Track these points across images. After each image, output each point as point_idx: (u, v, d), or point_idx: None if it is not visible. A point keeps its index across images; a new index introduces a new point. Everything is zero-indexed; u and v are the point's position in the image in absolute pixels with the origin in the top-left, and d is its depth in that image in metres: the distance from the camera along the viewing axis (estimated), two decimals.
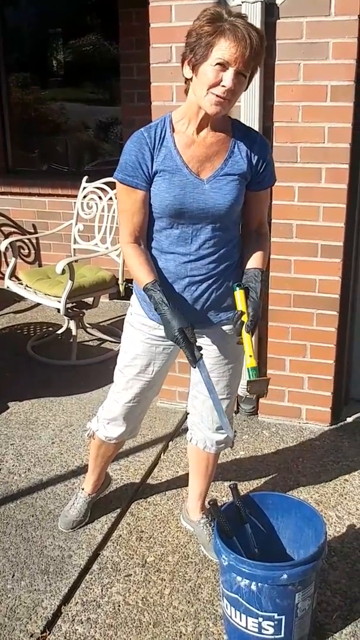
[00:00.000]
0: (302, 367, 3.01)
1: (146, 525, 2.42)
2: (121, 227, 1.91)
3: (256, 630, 1.81)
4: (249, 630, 1.82)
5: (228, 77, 1.67)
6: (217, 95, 1.69)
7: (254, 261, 1.94)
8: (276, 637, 1.81)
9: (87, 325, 4.08)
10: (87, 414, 3.18)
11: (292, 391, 3.07)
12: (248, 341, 1.82)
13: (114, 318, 4.42)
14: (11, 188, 4.87)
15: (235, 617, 1.84)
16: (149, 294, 1.83)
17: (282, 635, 1.81)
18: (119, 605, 2.05)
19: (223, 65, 1.66)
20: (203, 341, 2.03)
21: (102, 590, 2.11)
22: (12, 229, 4.97)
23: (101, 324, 4.30)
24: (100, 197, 4.13)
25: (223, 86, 1.68)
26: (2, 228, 5.00)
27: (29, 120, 5.38)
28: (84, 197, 4.21)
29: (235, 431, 2.29)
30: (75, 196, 4.31)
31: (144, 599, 2.08)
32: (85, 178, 4.22)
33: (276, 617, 1.78)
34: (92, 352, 3.91)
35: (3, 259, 5.03)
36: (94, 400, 3.32)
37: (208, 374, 1.94)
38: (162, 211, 1.84)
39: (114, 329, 4.17)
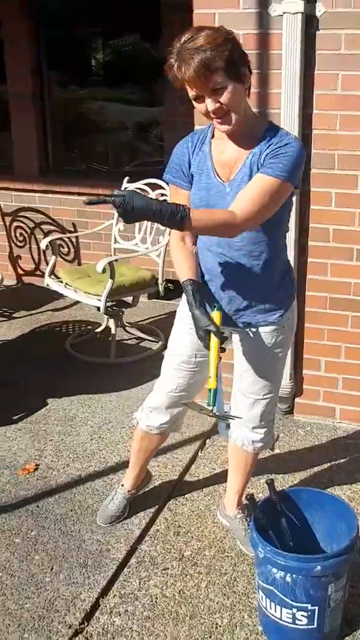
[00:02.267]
0: (337, 367, 3.05)
1: (183, 520, 2.45)
2: None
3: (290, 620, 1.85)
4: (283, 621, 1.86)
5: (209, 104, 1.74)
6: (215, 119, 1.78)
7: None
8: (309, 627, 1.86)
9: (126, 324, 4.12)
10: (125, 411, 3.22)
11: (327, 391, 3.11)
12: (214, 359, 1.81)
13: (152, 317, 4.46)
14: (52, 187, 4.94)
15: (270, 608, 1.88)
16: (184, 291, 1.93)
17: (315, 625, 1.85)
18: (156, 598, 2.08)
19: (199, 97, 1.74)
20: (241, 342, 2.05)
21: (139, 584, 2.14)
22: (52, 228, 5.04)
23: (140, 323, 4.34)
24: None
25: (210, 110, 1.75)
26: (43, 226, 5.07)
27: (69, 120, 5.44)
28: None
29: (278, 435, 2.29)
30: None
31: (181, 592, 2.11)
32: (126, 179, 4.26)
33: (310, 607, 1.83)
34: (131, 351, 3.95)
35: (43, 257, 5.13)
36: (132, 398, 3.37)
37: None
38: None
39: (153, 328, 4.21)
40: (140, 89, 5.35)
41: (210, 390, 1.79)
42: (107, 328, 3.99)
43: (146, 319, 4.43)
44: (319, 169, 2.77)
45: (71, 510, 2.50)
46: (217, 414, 1.91)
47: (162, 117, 4.85)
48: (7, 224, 5.18)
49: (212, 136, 1.92)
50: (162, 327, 4.13)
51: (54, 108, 5.25)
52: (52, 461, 2.83)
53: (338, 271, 2.90)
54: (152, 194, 4.07)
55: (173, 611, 2.03)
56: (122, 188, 4.24)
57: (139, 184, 4.16)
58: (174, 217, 1.66)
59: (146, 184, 4.12)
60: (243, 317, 2.02)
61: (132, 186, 4.21)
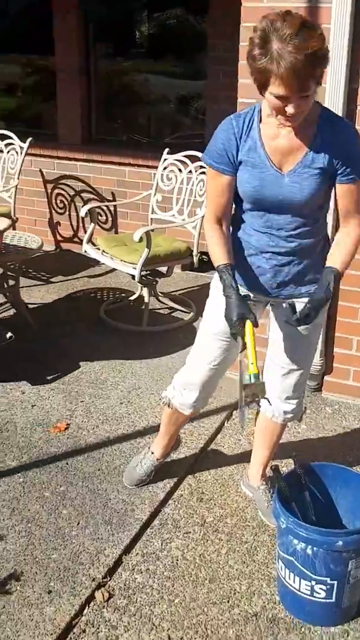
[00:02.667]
0: None
1: (207, 487, 2.49)
2: (207, 207, 2.00)
3: (308, 593, 1.87)
4: (301, 592, 1.89)
5: (290, 107, 1.69)
6: (285, 118, 1.74)
7: (332, 259, 1.95)
8: (327, 601, 1.87)
9: (160, 294, 4.15)
10: (155, 378, 3.27)
11: (358, 370, 3.08)
12: (252, 346, 1.85)
13: (186, 289, 4.48)
14: (93, 156, 4.97)
15: (289, 579, 1.90)
16: (220, 275, 1.92)
17: (334, 600, 1.87)
18: (177, 560, 2.14)
19: (282, 96, 1.68)
20: (280, 313, 2.06)
21: (161, 545, 2.20)
22: (92, 196, 5.09)
23: (173, 293, 4.37)
24: (180, 170, 4.17)
25: (288, 113, 1.71)
26: (83, 194, 5.12)
27: (113, 91, 5.45)
28: (164, 168, 4.26)
29: (305, 407, 2.31)
30: (154, 167, 4.36)
31: (202, 556, 2.16)
32: (166, 150, 4.26)
33: (329, 581, 1.84)
34: (163, 320, 3.99)
35: (81, 225, 5.18)
36: (162, 365, 3.41)
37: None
38: (244, 197, 1.93)
39: (185, 299, 4.23)
40: (184, 62, 5.32)
41: (251, 375, 1.84)
42: (141, 297, 4.03)
43: (179, 290, 4.45)
44: None
45: (99, 470, 2.56)
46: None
47: (205, 91, 4.82)
48: (49, 191, 5.24)
49: (260, 120, 1.86)
50: (194, 298, 4.15)
51: (99, 80, 5.26)
52: (82, 421, 2.89)
53: None
54: (191, 166, 4.07)
55: (193, 574, 2.09)
56: (162, 160, 4.25)
57: (179, 156, 4.17)
58: (330, 294, 1.86)
59: (186, 156, 4.12)
60: (286, 289, 2.03)
61: (171, 158, 4.22)
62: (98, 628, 1.89)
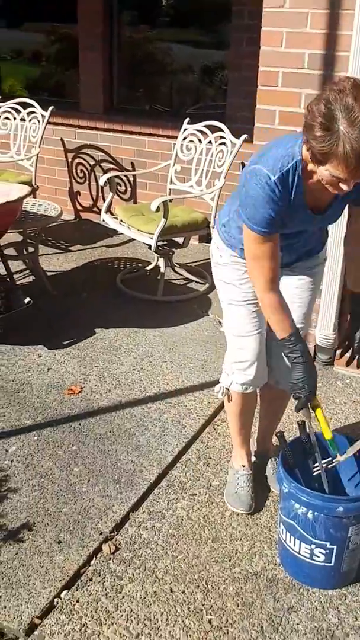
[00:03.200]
0: None
1: (214, 453, 2.56)
2: (258, 276, 1.85)
3: (308, 556, 1.93)
4: (301, 555, 1.94)
5: (345, 186, 1.59)
6: (335, 189, 1.64)
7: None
8: (326, 564, 1.92)
9: (175, 265, 4.19)
10: (167, 347, 3.34)
11: None
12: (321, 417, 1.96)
13: (201, 260, 4.51)
14: (114, 125, 4.98)
15: (290, 542, 1.96)
16: (295, 343, 1.86)
17: (332, 564, 1.92)
18: (182, 519, 2.22)
19: (341, 179, 1.58)
20: (291, 280, 2.10)
21: (167, 504, 2.28)
22: (112, 165, 5.11)
23: (189, 264, 4.41)
24: (200, 140, 4.17)
25: (341, 190, 1.62)
26: (102, 164, 5.14)
27: (136, 60, 5.41)
28: (184, 138, 4.26)
29: None
30: (175, 137, 4.36)
31: (206, 517, 2.23)
32: (187, 120, 4.25)
33: (328, 546, 1.89)
34: (178, 291, 4.04)
35: (101, 195, 5.21)
36: (175, 335, 3.47)
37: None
38: None
39: (201, 270, 4.27)
40: (209, 30, 5.25)
41: (329, 440, 2.00)
42: (157, 267, 4.08)
43: (195, 261, 4.48)
44: None
45: (110, 432, 2.64)
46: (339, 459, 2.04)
47: (228, 59, 4.73)
48: (69, 160, 5.27)
49: (302, 174, 1.72)
50: (210, 270, 4.14)
51: (122, 48, 5.23)
52: (95, 385, 2.97)
53: None
54: (211, 137, 4.07)
55: (197, 533, 2.16)
56: (182, 130, 4.25)
57: (199, 126, 4.17)
58: None
59: (206, 126, 4.12)
60: (299, 261, 2.07)
61: (191, 128, 4.21)
62: (104, 577, 1.98)
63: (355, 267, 2.11)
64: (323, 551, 1.90)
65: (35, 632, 1.80)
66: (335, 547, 1.89)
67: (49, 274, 4.10)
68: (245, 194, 1.76)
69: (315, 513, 1.86)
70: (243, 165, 4.41)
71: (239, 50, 4.46)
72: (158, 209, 3.58)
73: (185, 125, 4.25)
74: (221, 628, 1.82)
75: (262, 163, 1.72)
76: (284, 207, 1.74)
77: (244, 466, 2.34)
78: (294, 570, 2.02)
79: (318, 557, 1.92)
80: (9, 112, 4.88)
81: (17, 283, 3.77)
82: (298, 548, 1.94)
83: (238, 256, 2.02)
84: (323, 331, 3.12)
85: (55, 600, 1.90)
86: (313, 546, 1.91)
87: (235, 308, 2.10)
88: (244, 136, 3.83)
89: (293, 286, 2.11)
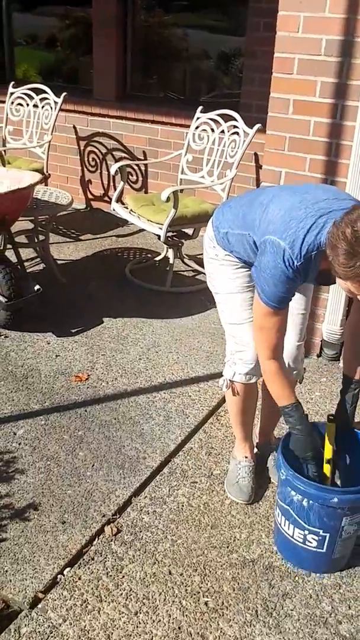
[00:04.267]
0: None
1: (216, 443, 2.62)
2: (261, 343, 1.90)
3: (301, 540, 1.99)
4: (294, 539, 2.01)
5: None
6: (352, 295, 1.69)
7: (357, 369, 2.03)
8: (318, 550, 1.99)
9: (185, 256, 4.22)
10: (174, 337, 3.39)
11: None
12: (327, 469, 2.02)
13: None
14: (126, 113, 4.95)
15: (284, 525, 2.03)
16: (287, 417, 1.94)
17: (324, 550, 1.98)
18: (183, 506, 2.28)
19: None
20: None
21: (169, 491, 2.35)
22: (123, 154, 5.10)
23: (198, 256, 4.42)
24: (212, 129, 4.16)
25: (356, 295, 1.67)
26: (114, 153, 5.14)
27: (151, 45, 5.33)
28: (196, 127, 4.26)
29: (305, 368, 2.39)
30: (187, 126, 4.36)
31: (206, 504, 2.30)
32: (200, 108, 4.24)
33: (321, 533, 1.95)
34: (186, 282, 4.08)
35: (112, 184, 5.24)
36: (182, 326, 3.52)
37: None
38: None
39: None
40: (226, 15, 5.09)
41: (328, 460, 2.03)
42: (166, 258, 4.12)
43: None
44: None
45: (115, 419, 2.71)
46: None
47: (244, 46, 4.56)
48: (82, 148, 5.27)
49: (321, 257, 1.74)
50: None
51: (136, 34, 5.15)
52: (102, 373, 3.04)
53: None
54: (224, 126, 4.07)
55: (196, 519, 2.22)
56: (195, 118, 4.24)
57: (212, 114, 4.16)
58: None
59: (219, 115, 4.11)
60: None
61: (204, 116, 4.20)
62: (105, 557, 2.05)
63: (348, 352, 2.14)
64: (316, 537, 1.96)
65: (39, 606, 1.88)
66: (328, 535, 1.95)
67: (59, 262, 4.16)
68: (262, 267, 1.78)
69: (310, 501, 1.91)
70: (257, 156, 4.41)
71: (256, 36, 4.31)
72: (168, 199, 3.60)
73: (198, 114, 4.25)
74: (217, 610, 1.89)
75: (288, 243, 1.71)
76: (300, 284, 1.81)
77: (246, 457, 2.39)
78: (287, 554, 2.08)
79: (311, 542, 1.98)
80: (22, 98, 4.90)
81: (28, 271, 3.83)
82: (292, 532, 2.00)
83: (234, 257, 2.05)
84: (330, 326, 3.15)
85: (59, 576, 1.98)
86: (306, 532, 1.96)
87: (229, 297, 2.13)
88: (258, 126, 3.81)
89: (293, 313, 2.14)
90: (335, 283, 1.80)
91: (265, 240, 1.77)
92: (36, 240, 4.01)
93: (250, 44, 4.42)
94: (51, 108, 4.70)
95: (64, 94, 4.61)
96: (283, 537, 2.06)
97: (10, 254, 3.46)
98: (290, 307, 2.12)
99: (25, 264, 3.75)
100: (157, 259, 4.26)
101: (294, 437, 1.97)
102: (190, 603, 1.91)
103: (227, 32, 5.12)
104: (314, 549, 1.99)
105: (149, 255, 4.46)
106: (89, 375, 3.01)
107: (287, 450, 2.06)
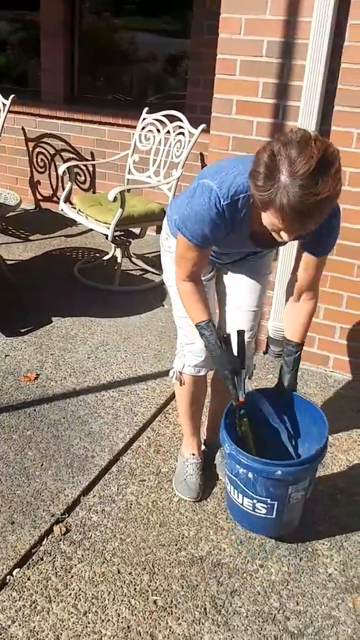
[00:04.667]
0: (336, 316, 3.05)
1: (165, 440, 2.63)
2: (179, 268, 1.92)
3: (251, 508, 2.01)
4: (244, 507, 2.03)
5: (285, 236, 1.61)
6: (278, 236, 1.65)
7: (298, 333, 2.05)
8: (268, 516, 2.01)
9: (132, 255, 4.24)
10: (122, 336, 3.40)
11: (323, 339, 3.14)
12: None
13: (158, 251, 4.48)
14: (74, 114, 4.97)
15: (234, 494, 2.05)
16: (201, 332, 1.93)
17: (274, 516, 2.00)
18: (131, 504, 2.28)
19: (279, 227, 1.59)
20: (242, 267, 2.14)
21: (117, 489, 2.35)
22: (71, 155, 5.10)
23: (146, 255, 4.46)
24: (158, 130, 4.20)
25: (281, 239, 1.64)
26: (63, 154, 5.13)
27: (99, 48, 5.37)
28: (143, 128, 4.28)
29: (255, 364, 2.43)
30: (134, 127, 4.38)
31: (154, 502, 2.30)
32: (146, 109, 4.27)
33: (269, 502, 1.96)
34: (134, 281, 4.09)
35: (60, 184, 5.21)
36: (130, 324, 3.53)
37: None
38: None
39: (158, 261, 4.26)
40: (173, 18, 5.20)
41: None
42: (114, 257, 4.13)
43: (152, 252, 4.54)
44: (342, 107, 2.68)
45: (63, 418, 2.70)
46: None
47: (189, 48, 4.63)
48: (30, 149, 5.25)
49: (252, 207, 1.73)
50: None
51: (84, 37, 5.18)
52: (51, 373, 3.02)
53: (349, 217, 2.77)
54: (170, 126, 4.10)
55: (145, 517, 2.23)
56: (141, 119, 4.26)
57: (158, 115, 4.19)
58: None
59: (164, 116, 4.15)
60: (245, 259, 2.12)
61: (150, 117, 4.23)
62: (54, 557, 2.04)
63: (289, 318, 2.12)
64: (265, 506, 1.97)
65: None
66: (276, 503, 1.96)
67: (8, 262, 4.10)
68: (190, 205, 1.78)
69: (255, 475, 1.91)
70: (202, 156, 4.47)
71: (200, 38, 4.39)
72: (115, 199, 3.61)
73: (144, 115, 4.28)
74: (166, 608, 1.89)
75: (217, 182, 1.72)
76: (223, 232, 1.79)
77: (193, 454, 2.40)
78: (239, 518, 2.12)
79: (260, 510, 1.99)
80: None
81: None
82: (241, 500, 2.02)
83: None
84: (275, 323, 3.20)
85: (8, 577, 1.95)
86: (255, 501, 1.97)
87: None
88: (202, 126, 3.87)
89: (242, 273, 2.16)
90: (274, 246, 1.82)
91: (197, 185, 1.78)
92: None
93: (195, 46, 4.51)
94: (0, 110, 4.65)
95: (12, 96, 4.56)
96: (234, 504, 2.09)
97: None
98: (240, 303, 2.18)
99: None
100: (105, 258, 4.26)
101: (211, 356, 1.97)
102: (139, 602, 1.91)
103: (174, 34, 5.21)
104: (264, 516, 2.01)
105: (98, 254, 4.45)
106: (37, 375, 2.98)
107: (230, 427, 2.05)
